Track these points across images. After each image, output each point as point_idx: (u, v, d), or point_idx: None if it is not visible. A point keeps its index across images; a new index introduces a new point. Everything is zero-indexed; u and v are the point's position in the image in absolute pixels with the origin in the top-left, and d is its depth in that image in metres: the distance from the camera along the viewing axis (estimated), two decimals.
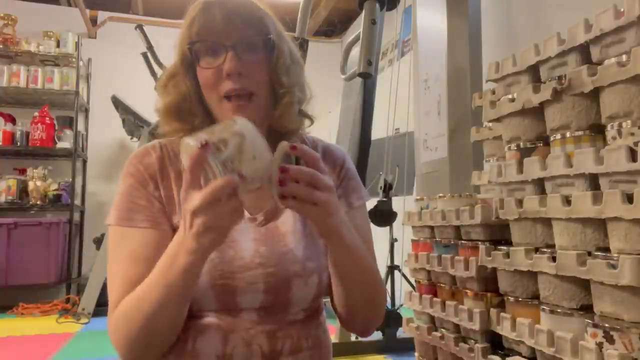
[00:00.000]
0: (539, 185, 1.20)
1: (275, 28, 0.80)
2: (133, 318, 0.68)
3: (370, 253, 0.85)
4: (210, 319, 0.74)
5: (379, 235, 2.35)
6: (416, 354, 1.70)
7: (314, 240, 0.80)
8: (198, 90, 0.79)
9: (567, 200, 1.09)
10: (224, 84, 0.75)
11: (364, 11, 1.94)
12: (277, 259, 0.76)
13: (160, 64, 3.50)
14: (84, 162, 4.49)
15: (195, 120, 0.79)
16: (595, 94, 1.09)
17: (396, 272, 2.73)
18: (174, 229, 0.77)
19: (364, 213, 0.89)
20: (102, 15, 4.72)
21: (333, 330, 2.42)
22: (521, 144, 1.28)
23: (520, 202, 1.23)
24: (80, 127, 4.34)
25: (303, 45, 2.29)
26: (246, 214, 0.76)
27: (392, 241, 2.76)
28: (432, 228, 1.64)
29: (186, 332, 0.73)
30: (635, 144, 0.96)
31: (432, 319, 1.60)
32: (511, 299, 1.25)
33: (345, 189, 0.87)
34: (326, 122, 4.19)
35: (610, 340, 0.93)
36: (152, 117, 3.52)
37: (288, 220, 0.80)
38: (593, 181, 1.06)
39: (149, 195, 0.77)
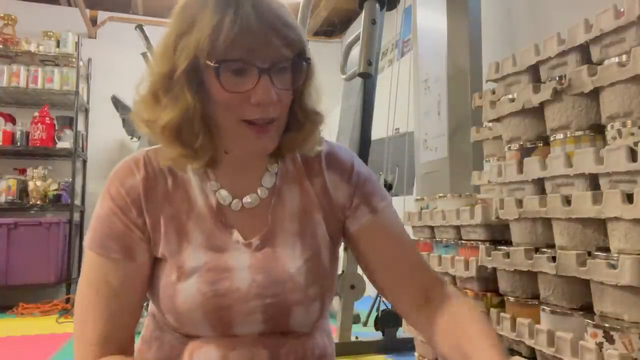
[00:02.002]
0: (539, 185, 1.20)
1: (304, 37, 0.69)
2: None
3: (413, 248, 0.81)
4: (208, 339, 0.71)
5: None
6: (416, 354, 1.69)
7: (316, 262, 0.74)
8: (202, 105, 0.66)
9: (567, 200, 1.09)
10: (250, 110, 0.65)
11: (364, 11, 1.94)
12: (276, 288, 0.70)
13: None
14: (84, 162, 4.49)
15: (196, 142, 0.67)
16: (595, 94, 1.09)
17: None
18: (157, 259, 0.72)
19: (393, 212, 0.81)
20: (102, 15, 4.72)
21: (333, 331, 2.42)
22: (521, 144, 1.28)
23: (520, 202, 1.23)
24: (80, 127, 4.33)
25: None
26: (241, 238, 0.72)
27: None
28: (432, 228, 1.64)
29: (183, 349, 0.71)
30: (635, 144, 0.96)
31: None
32: (511, 299, 1.25)
33: (362, 195, 0.78)
34: (326, 122, 4.18)
35: (610, 340, 0.93)
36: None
37: (287, 245, 0.73)
38: (593, 181, 1.06)
39: (128, 223, 0.70)
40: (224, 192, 0.73)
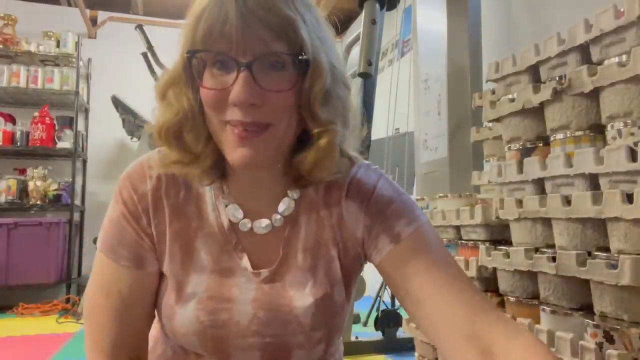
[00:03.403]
0: (539, 185, 1.20)
1: (312, 32, 0.58)
2: None
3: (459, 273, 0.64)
4: (208, 358, 0.69)
5: None
6: (416, 354, 1.69)
7: (327, 302, 0.66)
8: (200, 106, 0.60)
9: (567, 200, 1.09)
10: (230, 111, 0.56)
11: (364, 11, 1.94)
12: (278, 328, 0.65)
13: (160, 64, 3.50)
14: (84, 162, 4.49)
15: (198, 146, 0.61)
16: (595, 94, 1.09)
17: None
18: (162, 273, 0.68)
19: (425, 237, 0.65)
20: (102, 15, 4.72)
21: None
22: (521, 144, 1.28)
23: (520, 202, 1.23)
24: (80, 127, 4.33)
25: None
26: (249, 266, 0.66)
27: None
28: None
29: (185, 357, 0.70)
30: (635, 144, 0.97)
31: None
32: (511, 299, 1.25)
33: (383, 222, 0.66)
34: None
35: (610, 340, 0.93)
36: (152, 117, 3.51)
37: (297, 279, 0.66)
38: (593, 181, 1.06)
39: (139, 231, 0.66)
40: (234, 208, 0.67)
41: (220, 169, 0.65)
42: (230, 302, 0.65)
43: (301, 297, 0.65)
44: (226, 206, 0.67)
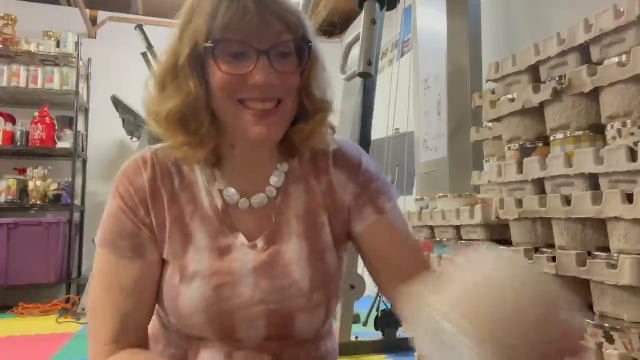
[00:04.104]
0: (539, 185, 1.20)
1: (307, 25, 0.69)
2: None
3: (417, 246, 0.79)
4: (212, 342, 0.70)
5: None
6: (416, 354, 1.69)
7: (322, 266, 0.72)
8: (206, 92, 0.66)
9: (567, 200, 1.09)
10: (247, 90, 0.64)
11: (364, 11, 1.94)
12: (280, 294, 0.69)
13: None
14: (84, 162, 4.48)
15: (202, 129, 0.67)
16: (595, 94, 1.09)
17: None
18: (163, 259, 0.71)
19: (399, 212, 0.78)
20: (102, 15, 4.72)
21: (333, 331, 2.41)
22: (521, 144, 1.28)
23: (520, 202, 1.23)
24: (80, 127, 4.33)
25: None
26: (246, 241, 0.71)
27: None
28: (432, 228, 1.64)
29: (188, 347, 0.71)
30: (635, 144, 0.97)
31: None
32: None
33: (369, 194, 0.76)
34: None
35: (610, 340, 0.93)
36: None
37: (293, 247, 0.71)
38: (593, 181, 1.06)
39: (138, 222, 0.70)
40: (231, 190, 0.72)
41: (215, 156, 0.71)
42: (232, 275, 0.69)
43: (298, 262, 0.70)
44: (221, 190, 0.72)
